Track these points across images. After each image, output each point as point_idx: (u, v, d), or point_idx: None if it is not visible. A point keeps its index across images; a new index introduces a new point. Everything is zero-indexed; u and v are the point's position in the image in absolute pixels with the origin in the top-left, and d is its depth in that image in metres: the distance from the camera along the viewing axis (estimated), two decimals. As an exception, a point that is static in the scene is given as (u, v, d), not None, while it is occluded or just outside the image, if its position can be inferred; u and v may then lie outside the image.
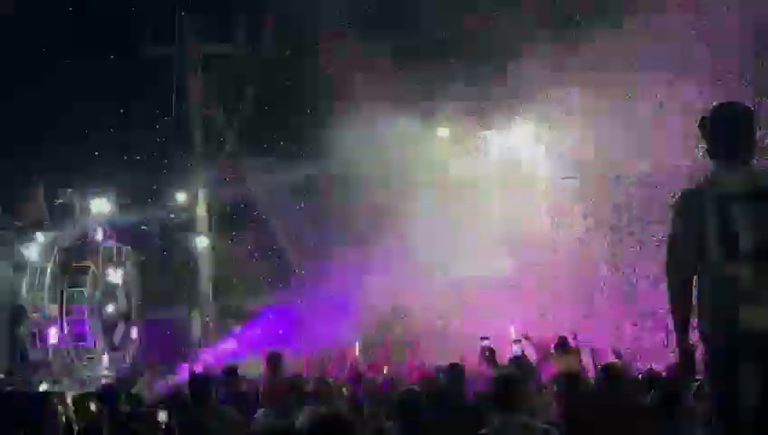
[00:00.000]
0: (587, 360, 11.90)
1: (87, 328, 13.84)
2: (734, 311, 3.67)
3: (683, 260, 3.88)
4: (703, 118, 4.09)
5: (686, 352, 3.88)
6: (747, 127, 3.96)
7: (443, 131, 21.23)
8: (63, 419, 6.76)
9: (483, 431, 4.75)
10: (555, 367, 10.36)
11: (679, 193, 4.09)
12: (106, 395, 6.72)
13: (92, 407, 6.14)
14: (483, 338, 12.66)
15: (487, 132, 20.78)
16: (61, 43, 17.94)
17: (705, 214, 3.79)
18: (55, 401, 6.63)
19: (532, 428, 4.70)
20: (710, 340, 3.78)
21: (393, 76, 19.85)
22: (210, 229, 20.85)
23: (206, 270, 20.49)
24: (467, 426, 5.64)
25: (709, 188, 3.89)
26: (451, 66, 19.41)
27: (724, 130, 3.93)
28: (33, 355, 12.85)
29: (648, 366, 12.05)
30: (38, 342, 13.01)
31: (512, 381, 4.92)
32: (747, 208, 3.73)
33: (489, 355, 11.09)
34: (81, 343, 13.80)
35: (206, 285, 20.48)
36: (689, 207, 3.90)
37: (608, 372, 6.33)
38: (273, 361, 9.20)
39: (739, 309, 3.65)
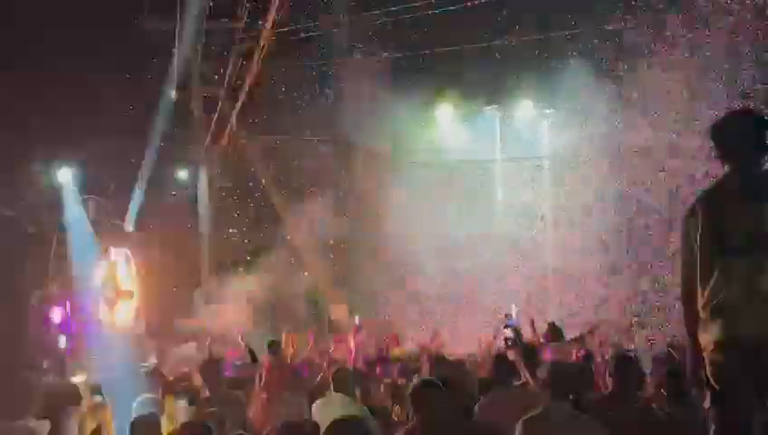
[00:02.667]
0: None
1: (90, 307, 13.85)
2: (731, 311, 3.76)
3: (689, 262, 3.99)
4: (713, 127, 4.20)
5: (694, 358, 3.98)
6: (757, 134, 4.02)
7: (445, 109, 21.16)
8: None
9: (532, 414, 4.76)
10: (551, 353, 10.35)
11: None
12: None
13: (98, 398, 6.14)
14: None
15: (490, 108, 20.76)
16: (57, 15, 17.74)
17: (707, 216, 3.90)
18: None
19: (576, 414, 4.70)
20: (710, 339, 3.85)
21: (396, 52, 19.79)
22: (211, 208, 20.81)
23: (207, 249, 20.47)
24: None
25: (714, 190, 4.03)
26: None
27: (735, 138, 4.04)
28: (36, 336, 12.86)
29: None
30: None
31: (563, 369, 4.95)
32: (744, 209, 3.82)
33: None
34: (84, 323, 13.81)
35: (209, 260, 20.47)
36: (694, 211, 4.01)
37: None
38: (273, 348, 9.34)
39: (737, 309, 3.74)
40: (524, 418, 4.79)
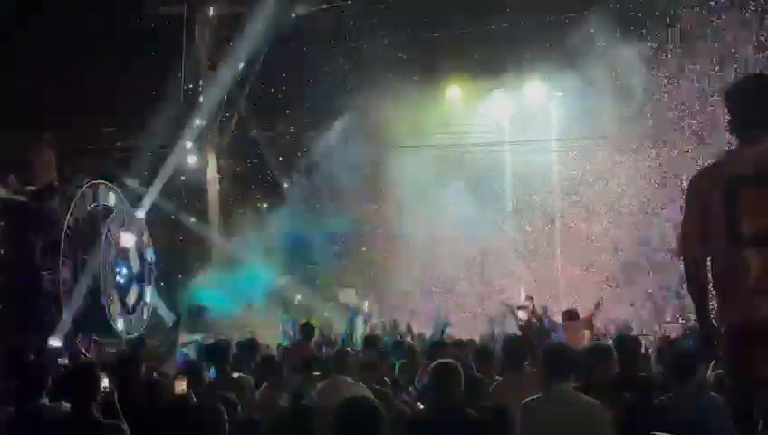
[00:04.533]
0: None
1: (101, 293, 13.92)
2: (743, 297, 3.58)
3: (689, 242, 3.78)
4: (727, 90, 3.93)
5: (704, 337, 3.84)
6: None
7: (453, 91, 21.07)
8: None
9: (535, 397, 4.77)
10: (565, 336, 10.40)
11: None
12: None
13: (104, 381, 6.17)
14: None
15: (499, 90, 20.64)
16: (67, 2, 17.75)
17: (711, 197, 3.64)
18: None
19: (579, 398, 4.71)
20: (722, 325, 3.71)
21: (404, 35, 19.68)
22: (221, 191, 20.86)
23: (217, 231, 20.54)
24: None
25: (718, 168, 3.74)
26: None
27: (744, 103, 3.72)
28: (47, 320, 12.94)
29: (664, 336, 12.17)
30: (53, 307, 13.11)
31: (564, 350, 4.95)
32: (751, 192, 3.55)
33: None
34: (94, 307, 13.89)
35: (217, 246, 20.53)
36: (696, 190, 3.78)
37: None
38: (307, 330, 9.57)
39: (748, 295, 3.56)
40: (525, 401, 4.82)
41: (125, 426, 4.73)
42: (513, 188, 20.47)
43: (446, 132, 20.41)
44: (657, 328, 16.54)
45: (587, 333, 10.72)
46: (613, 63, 17.63)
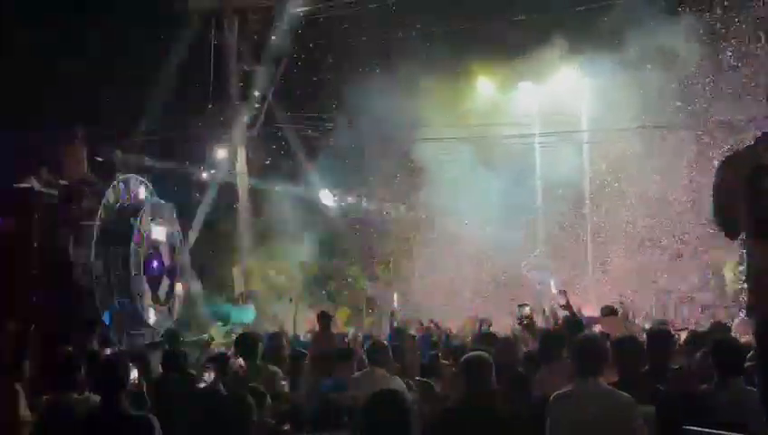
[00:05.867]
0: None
1: (132, 285, 14.04)
2: None
3: (724, 206, 3.60)
4: None
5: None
6: None
7: (483, 82, 20.94)
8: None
9: (564, 390, 4.72)
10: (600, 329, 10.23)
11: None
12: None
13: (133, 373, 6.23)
14: (520, 305, 12.56)
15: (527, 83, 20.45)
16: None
17: (740, 183, 3.48)
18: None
19: (609, 392, 4.64)
20: (754, 312, 3.61)
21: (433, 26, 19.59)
22: (250, 184, 20.98)
23: (246, 224, 20.66)
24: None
25: (748, 154, 3.60)
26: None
27: None
28: (79, 313, 13.08)
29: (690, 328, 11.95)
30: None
31: (595, 343, 4.89)
32: None
33: (528, 323, 11.06)
34: (127, 300, 14.03)
35: (246, 239, 20.66)
36: (724, 175, 3.62)
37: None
38: (325, 319, 9.58)
39: None
40: (554, 394, 4.76)
41: (153, 417, 4.74)
42: (543, 178, 20.26)
43: (475, 124, 20.28)
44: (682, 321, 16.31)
45: (625, 328, 10.57)
46: (647, 50, 17.36)
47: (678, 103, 18.02)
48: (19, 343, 11.73)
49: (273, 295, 19.60)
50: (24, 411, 6.40)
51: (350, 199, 21.75)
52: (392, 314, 14.78)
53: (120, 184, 14.76)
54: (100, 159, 15.12)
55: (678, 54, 17.57)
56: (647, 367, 5.70)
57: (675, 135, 18.42)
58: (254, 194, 21.18)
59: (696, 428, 4.45)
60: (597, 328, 9.36)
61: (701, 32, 17.45)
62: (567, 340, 7.04)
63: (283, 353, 7.52)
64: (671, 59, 17.71)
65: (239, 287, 19.94)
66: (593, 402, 4.60)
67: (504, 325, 14.09)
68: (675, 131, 18.37)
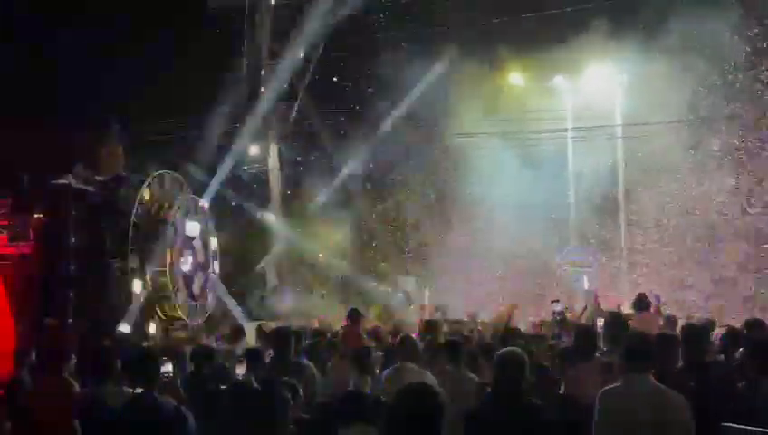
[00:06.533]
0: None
1: (167, 280, 14.22)
2: None
3: None
4: None
5: None
6: None
7: (516, 78, 20.77)
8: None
9: (613, 386, 4.70)
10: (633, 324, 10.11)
11: None
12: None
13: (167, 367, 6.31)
14: (553, 301, 12.45)
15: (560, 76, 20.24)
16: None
17: None
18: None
19: (657, 386, 4.60)
20: None
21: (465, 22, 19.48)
22: (282, 179, 21.09)
23: (278, 220, 20.78)
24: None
25: None
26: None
27: None
28: (116, 306, 13.29)
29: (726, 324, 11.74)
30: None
31: (644, 340, 4.85)
32: None
33: (561, 319, 10.96)
34: (162, 295, 14.22)
35: (278, 234, 20.78)
36: None
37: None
38: (354, 315, 9.61)
39: None
40: (604, 390, 4.72)
41: (185, 409, 4.78)
42: (576, 173, 20.03)
43: (509, 118, 20.12)
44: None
45: (659, 323, 10.42)
46: (685, 42, 17.06)
47: (714, 99, 17.69)
48: (59, 338, 11.97)
49: (305, 291, 19.69)
50: None
51: (382, 194, 21.73)
52: (437, 308, 14.64)
53: (155, 180, 14.94)
54: (135, 156, 15.28)
55: (718, 46, 17.23)
56: (682, 363, 5.64)
57: (714, 130, 18.10)
58: (287, 189, 21.27)
59: (734, 425, 4.38)
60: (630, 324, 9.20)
61: (741, 22, 17.10)
62: (608, 337, 6.95)
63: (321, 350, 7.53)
64: (711, 51, 17.38)
65: (272, 282, 20.08)
66: (643, 400, 4.55)
67: (533, 322, 14.01)
68: (715, 126, 18.03)
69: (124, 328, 12.92)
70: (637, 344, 4.80)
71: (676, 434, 4.48)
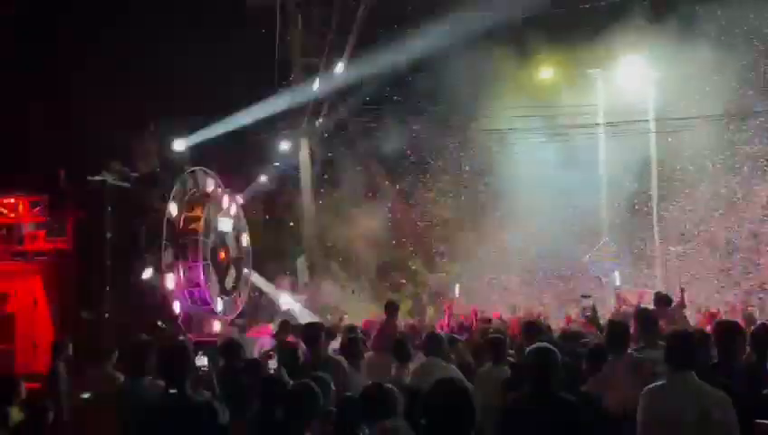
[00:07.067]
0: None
1: (201, 274, 14.39)
2: None
3: None
4: None
5: None
6: None
7: (547, 71, 20.62)
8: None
9: (657, 384, 4.69)
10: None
11: None
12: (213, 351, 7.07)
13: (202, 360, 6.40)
14: (583, 296, 12.35)
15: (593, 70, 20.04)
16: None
17: None
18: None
19: (703, 387, 4.58)
20: None
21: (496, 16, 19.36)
22: (313, 176, 21.19)
23: (309, 215, 20.89)
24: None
25: None
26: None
27: None
28: (151, 302, 13.49)
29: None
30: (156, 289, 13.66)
31: (689, 337, 4.85)
32: None
33: (591, 314, 10.88)
34: (196, 289, 14.39)
35: (310, 229, 20.89)
36: None
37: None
38: (391, 307, 9.69)
39: None
40: (647, 388, 4.70)
41: (216, 404, 4.85)
42: (608, 170, 19.85)
43: (539, 114, 20.00)
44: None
45: (682, 315, 10.33)
46: (720, 34, 16.80)
47: (750, 92, 17.40)
48: (96, 332, 12.21)
49: (336, 286, 19.79)
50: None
51: (412, 191, 21.74)
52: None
53: (188, 176, 15.12)
54: (169, 152, 15.46)
55: (759, 37, 16.94)
56: (715, 361, 5.60)
57: (749, 124, 17.81)
58: (318, 185, 21.37)
59: (766, 421, 4.35)
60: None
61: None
62: (640, 335, 6.89)
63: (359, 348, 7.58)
64: (747, 43, 17.09)
65: (303, 278, 20.20)
66: (688, 398, 4.53)
67: (559, 318, 13.94)
68: (751, 121, 17.75)
69: (160, 323, 13.11)
70: (679, 343, 4.80)
71: (721, 432, 4.46)
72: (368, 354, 7.89)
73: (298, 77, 20.11)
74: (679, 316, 10.39)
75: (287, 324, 10.84)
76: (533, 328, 7.60)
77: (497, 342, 7.02)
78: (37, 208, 13.92)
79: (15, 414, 5.71)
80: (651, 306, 10.41)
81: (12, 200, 13.96)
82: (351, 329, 9.73)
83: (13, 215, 13.98)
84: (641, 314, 7.34)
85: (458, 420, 3.45)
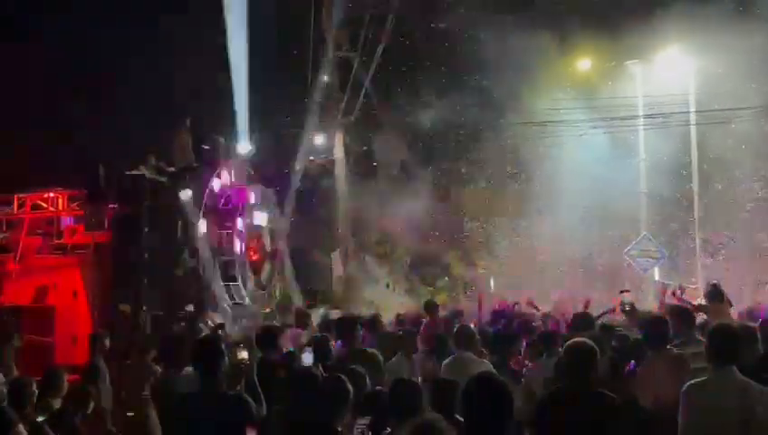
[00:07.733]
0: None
1: (236, 268, 14.49)
2: None
3: None
4: None
5: None
6: None
7: (585, 63, 20.33)
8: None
9: (699, 380, 4.62)
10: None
11: None
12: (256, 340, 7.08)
13: (243, 354, 6.40)
14: (622, 291, 12.14)
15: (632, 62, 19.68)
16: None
17: None
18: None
19: (746, 383, 4.48)
20: None
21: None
22: (347, 170, 21.20)
23: (344, 209, 20.92)
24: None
25: None
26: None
27: None
28: (188, 295, 13.59)
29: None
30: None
31: (732, 333, 4.77)
32: None
33: (630, 309, 10.69)
34: (231, 283, 14.48)
35: (344, 223, 20.92)
36: None
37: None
38: (431, 307, 9.68)
39: None
40: (690, 384, 4.61)
41: (247, 397, 4.84)
42: (648, 161, 19.47)
43: (577, 107, 19.71)
44: None
45: (730, 313, 10.08)
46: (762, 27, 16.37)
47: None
48: (133, 325, 12.36)
49: (371, 280, 19.78)
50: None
51: (448, 183, 21.62)
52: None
53: (224, 170, 15.22)
54: (205, 147, 15.57)
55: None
56: (760, 355, 5.46)
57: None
58: (352, 179, 21.36)
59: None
60: (701, 316, 8.91)
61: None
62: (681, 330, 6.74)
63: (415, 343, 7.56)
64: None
65: (338, 272, 20.24)
66: (731, 394, 4.44)
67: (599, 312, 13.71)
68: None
69: (195, 315, 13.20)
70: (723, 338, 4.69)
71: (765, 430, 4.37)
72: (417, 355, 7.84)
73: (331, 70, 20.10)
74: (726, 313, 10.14)
75: (324, 318, 10.86)
76: (583, 322, 7.49)
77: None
78: (76, 203, 14.13)
79: (57, 406, 5.78)
80: (697, 300, 10.23)
81: (51, 195, 14.20)
82: (400, 321, 9.80)
83: (52, 209, 14.22)
84: (678, 309, 7.20)
85: (500, 414, 3.48)
